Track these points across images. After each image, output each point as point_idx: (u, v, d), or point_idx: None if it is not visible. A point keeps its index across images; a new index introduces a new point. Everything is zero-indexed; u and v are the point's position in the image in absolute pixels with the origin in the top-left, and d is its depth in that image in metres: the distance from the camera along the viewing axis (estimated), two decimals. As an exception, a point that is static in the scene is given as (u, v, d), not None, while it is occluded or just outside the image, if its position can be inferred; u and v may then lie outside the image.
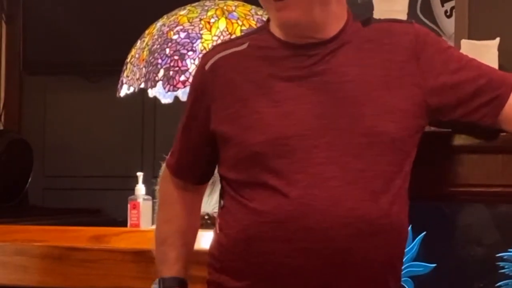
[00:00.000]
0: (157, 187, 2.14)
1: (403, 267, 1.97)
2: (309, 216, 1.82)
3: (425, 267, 2.09)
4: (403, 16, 2.43)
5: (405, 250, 1.97)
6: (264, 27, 2.00)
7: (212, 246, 1.99)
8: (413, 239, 2.09)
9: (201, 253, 2.07)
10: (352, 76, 1.88)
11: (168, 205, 2.11)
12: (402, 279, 2.00)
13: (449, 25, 4.45)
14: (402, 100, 1.88)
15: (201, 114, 1.98)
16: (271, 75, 1.91)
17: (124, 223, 3.28)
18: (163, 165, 2.15)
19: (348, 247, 1.83)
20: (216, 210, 2.16)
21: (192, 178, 2.08)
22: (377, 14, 2.43)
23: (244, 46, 1.97)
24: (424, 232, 2.10)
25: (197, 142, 2.02)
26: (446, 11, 4.52)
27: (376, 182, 1.84)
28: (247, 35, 2.06)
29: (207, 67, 1.97)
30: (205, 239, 2.17)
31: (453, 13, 4.32)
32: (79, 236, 3.01)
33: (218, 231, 1.97)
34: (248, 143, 1.88)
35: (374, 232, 1.84)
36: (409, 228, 2.02)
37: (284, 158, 1.85)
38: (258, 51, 1.95)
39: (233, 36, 2.94)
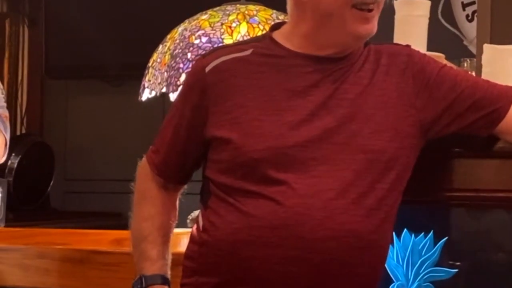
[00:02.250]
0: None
1: (424, 272, 1.97)
2: (302, 225, 1.83)
3: (446, 272, 2.09)
4: (425, 21, 2.41)
5: (428, 254, 1.98)
6: (266, 36, 1.98)
7: (190, 248, 1.97)
8: (435, 244, 2.08)
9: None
10: (352, 94, 1.89)
11: (148, 202, 2.07)
12: (424, 284, 1.99)
13: (470, 29, 4.44)
14: (398, 120, 1.90)
15: (196, 115, 1.96)
16: (275, 83, 1.91)
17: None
18: (141, 161, 2.11)
19: (337, 259, 1.84)
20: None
21: (176, 178, 2.06)
22: (398, 18, 2.42)
23: (247, 52, 1.95)
24: (446, 237, 2.09)
25: (188, 144, 2.00)
26: (467, 15, 4.51)
27: (369, 199, 1.86)
28: (248, 42, 2.06)
29: (207, 69, 1.95)
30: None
31: (475, 17, 4.31)
32: (100, 239, 3.02)
33: (200, 231, 1.94)
34: (247, 149, 1.87)
35: (364, 246, 1.86)
36: (431, 233, 2.02)
37: (282, 167, 1.85)
38: (263, 59, 1.94)
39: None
